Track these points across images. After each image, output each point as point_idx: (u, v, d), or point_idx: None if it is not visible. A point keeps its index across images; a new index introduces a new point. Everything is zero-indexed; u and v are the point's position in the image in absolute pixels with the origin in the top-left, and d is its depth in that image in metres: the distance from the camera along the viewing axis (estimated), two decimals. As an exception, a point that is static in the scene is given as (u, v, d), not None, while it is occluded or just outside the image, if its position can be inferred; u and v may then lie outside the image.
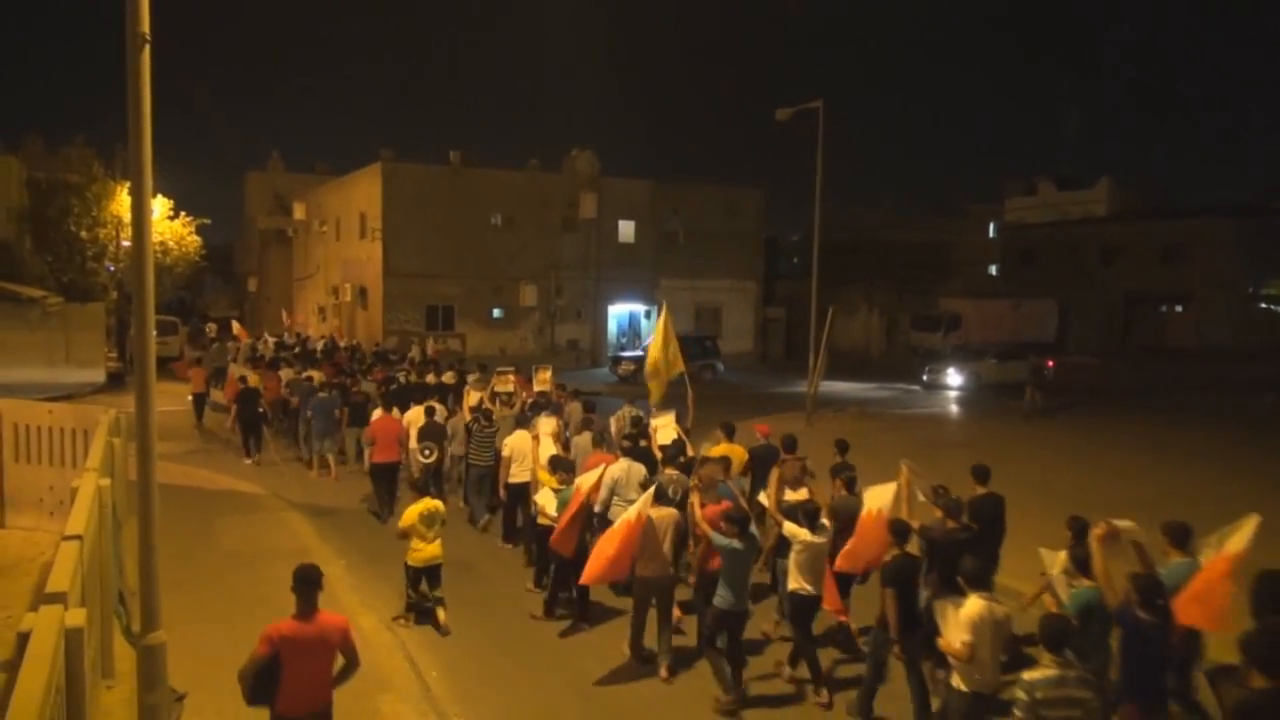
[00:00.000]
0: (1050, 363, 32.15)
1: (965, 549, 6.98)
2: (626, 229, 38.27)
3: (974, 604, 6.07)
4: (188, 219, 36.32)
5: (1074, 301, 44.68)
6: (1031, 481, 14.65)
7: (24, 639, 4.08)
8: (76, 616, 4.60)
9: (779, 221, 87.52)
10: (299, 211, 46.44)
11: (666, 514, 8.43)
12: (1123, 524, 6.69)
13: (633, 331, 38.24)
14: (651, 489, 8.67)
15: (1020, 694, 5.18)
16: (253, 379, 18.02)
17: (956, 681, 6.19)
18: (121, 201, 30.12)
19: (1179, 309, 46.29)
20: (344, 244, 39.04)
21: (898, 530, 7.38)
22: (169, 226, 34.83)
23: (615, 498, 9.71)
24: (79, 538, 5.80)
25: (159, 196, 33.48)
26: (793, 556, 7.79)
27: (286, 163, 54.74)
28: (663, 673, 8.14)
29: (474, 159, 37.24)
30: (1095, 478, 16.03)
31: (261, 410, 17.19)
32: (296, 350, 25.39)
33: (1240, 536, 6.40)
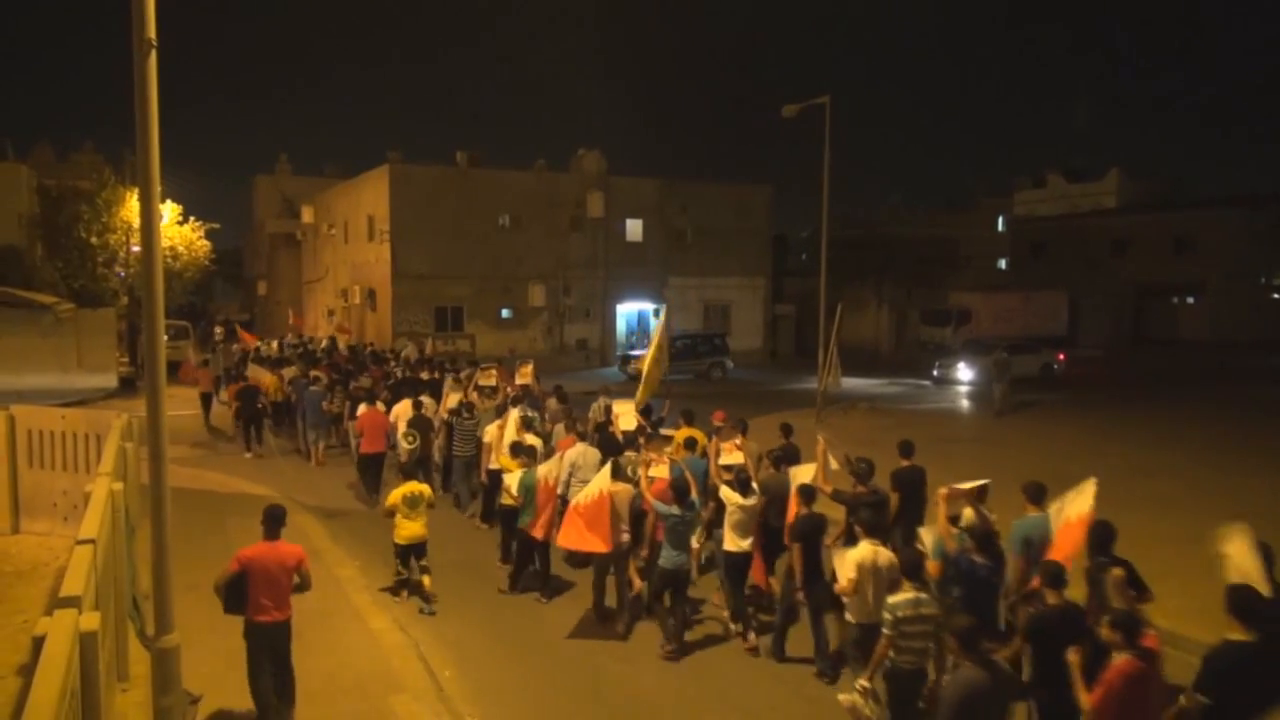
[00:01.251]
0: (1061, 356, 32.09)
1: (877, 509, 8.07)
2: (634, 228, 38.21)
3: (862, 548, 7.23)
4: (197, 224, 36.49)
5: (1084, 294, 44.45)
6: (1038, 472, 14.57)
7: (39, 643, 4.09)
8: (91, 620, 4.62)
9: (787, 218, 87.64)
10: (307, 215, 46.54)
11: (624, 490, 9.37)
12: (967, 486, 7.96)
13: (641, 330, 38.17)
14: (608, 466, 9.60)
15: (886, 615, 6.28)
16: (266, 379, 19.15)
17: (848, 615, 7.38)
18: (131, 207, 30.25)
19: (1190, 300, 46.01)
20: (352, 246, 39.13)
21: (804, 492, 8.53)
22: (178, 231, 35.00)
23: (573, 478, 10.56)
24: (92, 542, 5.82)
25: (168, 202, 33.67)
26: (727, 519, 8.77)
27: (294, 166, 54.83)
28: (619, 628, 9.05)
29: (481, 160, 37.19)
30: (1105, 469, 15.94)
31: (261, 405, 18.28)
32: (299, 351, 26.29)
33: (1085, 498, 7.49)
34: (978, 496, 7.94)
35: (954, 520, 7.67)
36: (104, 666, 5.14)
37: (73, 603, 4.66)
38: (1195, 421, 21.71)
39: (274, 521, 6.97)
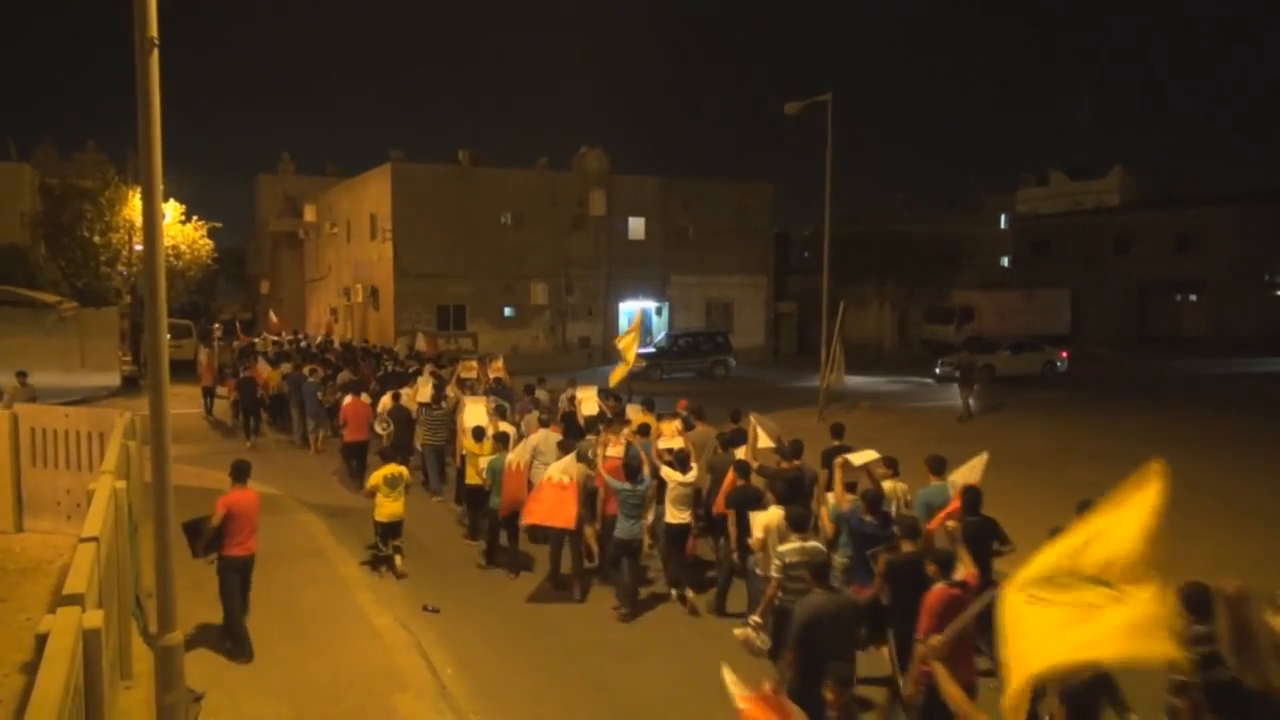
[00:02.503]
0: (1064, 354, 32.07)
1: (791, 483, 8.99)
2: (636, 226, 38.21)
3: (771, 512, 8.22)
4: (200, 222, 36.55)
5: (1087, 291, 44.35)
6: (1035, 468, 14.62)
7: (43, 640, 4.10)
8: (94, 618, 4.63)
9: (790, 216, 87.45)
10: (310, 213, 46.58)
11: (583, 471, 10.23)
12: (859, 456, 9.29)
13: (643, 328, 38.27)
14: (573, 453, 10.34)
15: (775, 561, 7.29)
16: (269, 373, 20.01)
17: (757, 569, 8.36)
18: (134, 206, 30.30)
19: (1193, 298, 45.90)
20: (355, 245, 39.16)
21: (739, 467, 9.37)
22: (181, 230, 35.06)
23: (535, 460, 11.22)
24: (95, 540, 5.83)
25: (170, 200, 33.73)
26: (669, 494, 9.67)
27: (297, 165, 54.94)
28: (576, 594, 9.98)
29: (483, 158, 37.21)
30: (1103, 467, 15.91)
31: (260, 396, 19.26)
32: (295, 347, 27.13)
33: (974, 469, 8.68)
34: (889, 467, 9.30)
35: (850, 486, 8.83)
36: (107, 664, 5.16)
37: (76, 600, 4.68)
38: (1193, 418, 21.65)
39: (241, 472, 8.36)
